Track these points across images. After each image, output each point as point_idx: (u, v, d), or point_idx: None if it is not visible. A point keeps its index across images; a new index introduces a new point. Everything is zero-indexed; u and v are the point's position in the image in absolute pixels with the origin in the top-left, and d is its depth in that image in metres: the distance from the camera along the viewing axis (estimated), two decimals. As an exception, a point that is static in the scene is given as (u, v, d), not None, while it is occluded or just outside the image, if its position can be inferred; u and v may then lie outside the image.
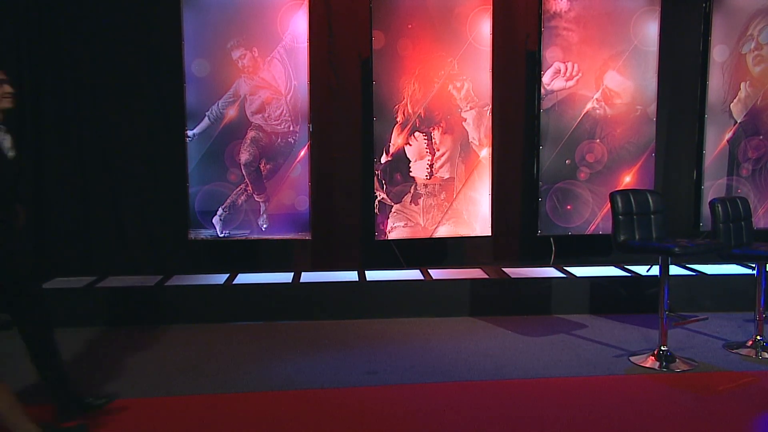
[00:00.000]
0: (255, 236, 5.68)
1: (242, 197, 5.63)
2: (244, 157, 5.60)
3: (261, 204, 5.66)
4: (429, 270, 5.74)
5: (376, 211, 5.72)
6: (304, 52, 5.53)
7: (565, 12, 5.75)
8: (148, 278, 5.51)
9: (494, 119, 5.86)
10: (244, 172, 5.61)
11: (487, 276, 5.58)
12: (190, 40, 5.47)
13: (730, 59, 5.91)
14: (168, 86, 5.67)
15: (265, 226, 5.67)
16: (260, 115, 5.59)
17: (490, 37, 5.73)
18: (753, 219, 5.80)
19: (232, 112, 5.57)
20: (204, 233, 5.61)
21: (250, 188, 5.64)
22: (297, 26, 5.53)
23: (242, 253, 5.99)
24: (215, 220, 5.61)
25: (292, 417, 3.48)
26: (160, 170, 5.85)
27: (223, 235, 5.63)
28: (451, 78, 5.73)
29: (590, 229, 6.00)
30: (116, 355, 4.47)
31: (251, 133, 5.60)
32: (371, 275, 5.59)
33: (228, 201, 5.62)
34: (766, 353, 4.35)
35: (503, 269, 5.79)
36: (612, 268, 5.89)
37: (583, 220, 5.99)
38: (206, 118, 5.54)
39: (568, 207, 5.96)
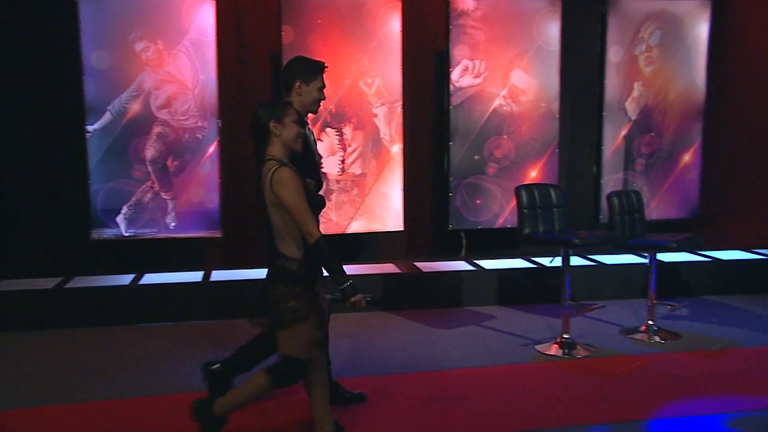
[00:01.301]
0: (163, 235, 5.51)
1: (148, 195, 5.45)
2: (149, 153, 5.42)
3: (168, 201, 5.49)
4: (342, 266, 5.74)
5: (289, 207, 5.67)
6: (212, 45, 5.41)
7: (472, 11, 5.89)
8: (48, 280, 5.24)
9: (405, 115, 5.93)
10: (150, 169, 5.43)
11: (399, 271, 5.65)
12: (88, 30, 5.23)
13: (624, 60, 6.23)
14: (65, 79, 5.40)
15: (173, 224, 5.51)
16: (166, 110, 5.42)
17: (400, 34, 5.79)
18: (646, 211, 6.17)
19: (135, 107, 5.37)
20: (108, 233, 5.39)
21: (156, 185, 5.46)
22: (203, 19, 5.39)
23: (149, 253, 5.79)
24: (119, 218, 5.40)
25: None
26: (59, 167, 5.57)
27: (128, 234, 5.42)
28: (362, 74, 5.76)
29: (499, 223, 6.19)
30: (12, 362, 4.23)
31: (157, 129, 5.42)
32: (284, 272, 5.54)
33: (133, 199, 5.42)
34: (657, 337, 4.63)
35: (415, 264, 5.88)
36: (519, 260, 6.10)
37: (492, 214, 6.17)
38: (108, 112, 5.32)
39: (478, 201, 6.12)
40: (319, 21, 5.61)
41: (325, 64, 3.32)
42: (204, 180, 5.52)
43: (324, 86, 3.31)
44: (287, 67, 3.35)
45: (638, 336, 4.69)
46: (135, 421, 3.39)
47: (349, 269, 5.61)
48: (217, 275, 5.47)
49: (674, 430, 3.26)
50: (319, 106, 3.36)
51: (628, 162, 6.36)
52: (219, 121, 5.49)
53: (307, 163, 3.13)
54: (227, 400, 2.93)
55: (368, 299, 2.86)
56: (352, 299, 2.80)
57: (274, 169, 2.73)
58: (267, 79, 5.92)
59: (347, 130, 5.79)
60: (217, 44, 5.42)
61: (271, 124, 2.80)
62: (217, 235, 5.58)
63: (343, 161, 5.81)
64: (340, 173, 5.81)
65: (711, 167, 6.48)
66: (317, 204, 3.14)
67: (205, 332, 4.87)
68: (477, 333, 4.84)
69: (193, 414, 2.93)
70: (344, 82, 5.71)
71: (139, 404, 3.60)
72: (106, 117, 5.33)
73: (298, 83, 3.25)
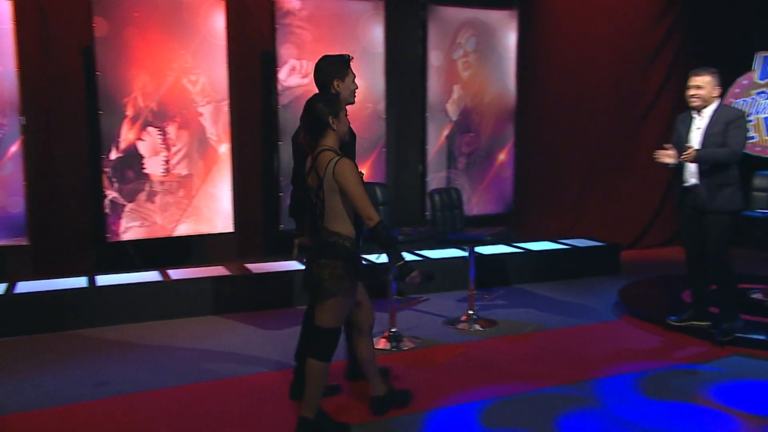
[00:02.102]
0: (-44, 245, 4.93)
1: (-63, 200, 4.85)
2: (-63, 153, 4.82)
3: (-37, 208, 4.93)
4: (168, 270, 5.51)
5: (107, 211, 5.32)
6: (9, 35, 4.92)
7: (297, 10, 5.89)
8: None
9: (232, 115, 5.80)
10: (-62, 172, 4.83)
11: (229, 273, 5.53)
12: None
13: (444, 64, 6.58)
14: None
15: (-31, 232, 4.95)
16: (-43, 106, 4.85)
17: (224, 32, 5.65)
18: (467, 207, 6.55)
19: None
20: None
21: (-53, 190, 4.87)
22: None
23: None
24: None
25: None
26: None
27: None
28: (185, 71, 5.54)
29: (330, 222, 6.25)
30: None
31: (-54, 126, 4.84)
32: (102, 280, 5.19)
33: None
34: (477, 325, 4.95)
35: (246, 265, 5.78)
36: (351, 257, 6.21)
37: (323, 213, 6.22)
38: None
39: (309, 201, 6.14)
40: (136, 14, 5.31)
41: (351, 56, 3.53)
42: (5, 183, 5.01)
43: (354, 75, 3.50)
44: (319, 70, 3.48)
45: (460, 326, 4.98)
46: None
47: (176, 273, 5.43)
48: (24, 287, 5.00)
49: (472, 412, 3.50)
50: (355, 95, 3.53)
51: (451, 161, 6.72)
52: (22, 118, 5.01)
53: (350, 150, 3.46)
54: (307, 402, 3.16)
55: (423, 276, 3.17)
56: (410, 276, 3.11)
57: (336, 159, 3.03)
58: (80, 73, 5.51)
59: (171, 130, 5.55)
60: (17, 33, 4.93)
61: (330, 119, 3.07)
62: (23, 243, 5.09)
63: (167, 161, 5.56)
64: (164, 174, 5.56)
65: (522, 165, 7.03)
66: None
67: (10, 349, 4.43)
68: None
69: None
70: (166, 80, 5.46)
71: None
72: None
73: (336, 82, 3.43)
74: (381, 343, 4.53)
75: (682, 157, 4.17)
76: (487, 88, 6.78)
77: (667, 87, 7.72)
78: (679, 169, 4.39)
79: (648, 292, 5.49)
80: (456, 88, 6.65)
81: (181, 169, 5.62)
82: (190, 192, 5.67)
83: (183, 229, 5.67)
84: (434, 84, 6.56)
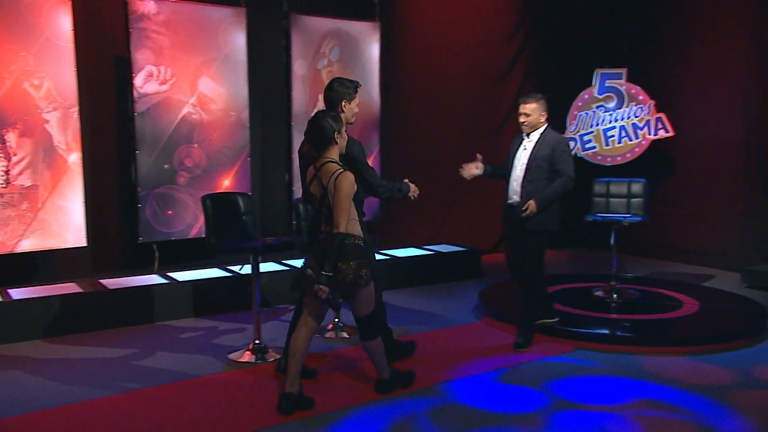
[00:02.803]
0: None
1: None
2: None
3: None
4: (8, 290, 5.08)
5: (-64, 227, 4.83)
6: None
7: (153, 14, 5.67)
8: None
9: (83, 122, 5.47)
10: None
11: (81, 290, 5.18)
12: None
13: (309, 73, 6.59)
14: None
15: None
16: None
17: (71, 33, 5.32)
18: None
19: None
20: None
21: None
22: None
23: None
24: None
25: None
26: None
27: None
28: (27, 74, 5.16)
29: (193, 233, 6.06)
30: None
31: None
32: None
33: None
34: (344, 333, 4.98)
35: (101, 281, 5.45)
36: (215, 269, 6.05)
37: (185, 224, 6.02)
38: None
39: (169, 212, 5.92)
40: (-32, 11, 4.88)
41: (359, 83, 4.08)
42: None
43: (358, 101, 4.04)
44: (331, 89, 3.97)
45: (327, 334, 4.98)
46: None
47: (19, 292, 5.02)
48: None
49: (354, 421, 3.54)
50: (354, 118, 4.03)
51: (317, 169, 6.72)
52: None
53: (353, 163, 3.86)
54: (380, 367, 3.79)
55: (330, 298, 3.43)
56: (322, 288, 3.38)
57: (340, 171, 3.42)
58: None
59: (11, 137, 5.14)
60: None
61: (336, 135, 3.49)
62: None
63: (7, 172, 5.15)
64: (4, 186, 5.13)
65: (387, 174, 7.16)
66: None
67: None
68: (170, 348, 4.67)
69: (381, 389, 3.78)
70: (4, 83, 5.06)
71: None
72: None
73: (344, 102, 3.94)
74: (246, 356, 4.44)
75: (525, 214, 4.38)
76: (351, 97, 6.86)
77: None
78: (505, 186, 4.68)
79: (505, 294, 5.79)
80: (321, 98, 6.62)
81: (24, 180, 5.22)
82: (35, 205, 5.28)
83: (27, 245, 5.26)
84: (299, 93, 6.55)
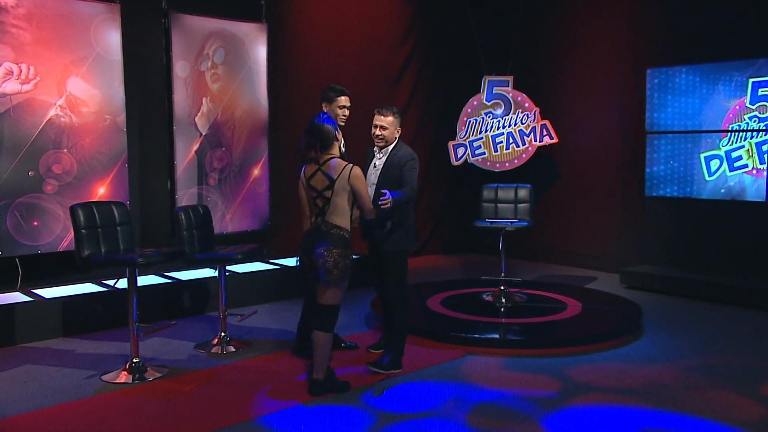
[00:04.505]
0: None
1: None
2: None
3: None
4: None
5: None
6: None
7: (12, 7, 5.17)
8: None
9: (-70, 123, 4.89)
10: None
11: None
12: None
13: (192, 75, 6.27)
14: None
15: None
16: None
17: None
18: (220, 224, 6.31)
19: None
20: None
21: None
22: None
23: None
24: None
25: None
26: None
27: None
28: None
29: (63, 245, 5.57)
30: None
31: None
32: None
33: None
34: (230, 347, 4.73)
35: (-47, 301, 4.90)
36: (89, 284, 5.60)
37: (54, 236, 5.52)
38: None
39: (35, 223, 5.41)
40: None
41: (346, 89, 4.51)
42: None
43: (345, 105, 4.51)
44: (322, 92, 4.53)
45: (213, 349, 4.71)
46: None
47: None
48: None
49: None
50: (344, 118, 4.53)
51: (202, 176, 6.41)
52: None
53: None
54: (317, 365, 3.85)
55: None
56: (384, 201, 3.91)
57: (351, 166, 3.79)
58: None
59: None
60: None
61: (336, 134, 3.87)
62: None
63: None
64: None
65: (277, 180, 6.95)
66: None
67: None
68: (33, 372, 4.24)
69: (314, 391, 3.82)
70: None
71: None
72: None
73: (324, 104, 4.51)
74: (122, 377, 4.12)
75: (382, 206, 3.92)
76: (238, 101, 6.61)
77: (410, 109, 8.27)
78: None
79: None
80: (205, 101, 6.38)
81: None
82: None
83: None
84: (181, 96, 6.21)
